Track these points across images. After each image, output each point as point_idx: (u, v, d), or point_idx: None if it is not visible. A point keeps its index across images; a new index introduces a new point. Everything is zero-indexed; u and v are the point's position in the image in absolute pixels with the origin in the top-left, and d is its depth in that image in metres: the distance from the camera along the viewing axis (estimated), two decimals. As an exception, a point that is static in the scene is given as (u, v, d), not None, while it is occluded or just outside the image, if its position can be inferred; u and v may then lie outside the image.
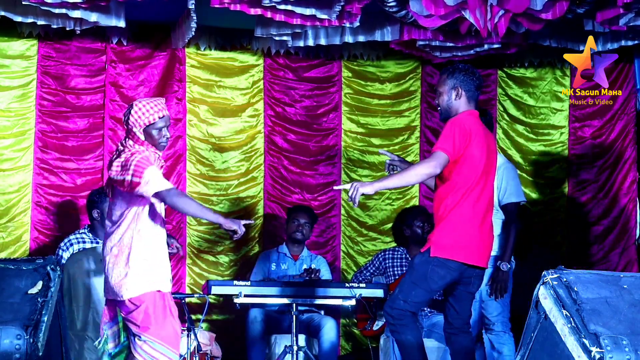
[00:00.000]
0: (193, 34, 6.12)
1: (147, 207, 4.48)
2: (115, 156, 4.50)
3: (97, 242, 6.03)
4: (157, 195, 4.35)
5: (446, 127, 4.64)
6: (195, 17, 5.83)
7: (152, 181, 4.34)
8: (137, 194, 4.38)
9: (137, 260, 4.41)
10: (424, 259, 4.69)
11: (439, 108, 4.84)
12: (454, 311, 4.85)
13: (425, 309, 6.56)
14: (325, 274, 6.62)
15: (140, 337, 4.38)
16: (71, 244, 6.04)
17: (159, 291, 4.41)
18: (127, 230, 4.45)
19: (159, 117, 4.51)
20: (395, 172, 4.83)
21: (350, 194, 4.50)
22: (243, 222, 4.47)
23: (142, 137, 4.47)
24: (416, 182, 4.90)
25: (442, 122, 4.79)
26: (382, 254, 6.75)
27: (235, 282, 6.01)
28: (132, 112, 4.47)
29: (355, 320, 6.96)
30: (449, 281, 4.71)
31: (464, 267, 4.70)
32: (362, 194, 4.48)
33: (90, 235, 6.10)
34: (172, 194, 4.38)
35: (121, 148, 4.50)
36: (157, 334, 4.36)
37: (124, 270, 4.39)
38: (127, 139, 4.50)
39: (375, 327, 6.55)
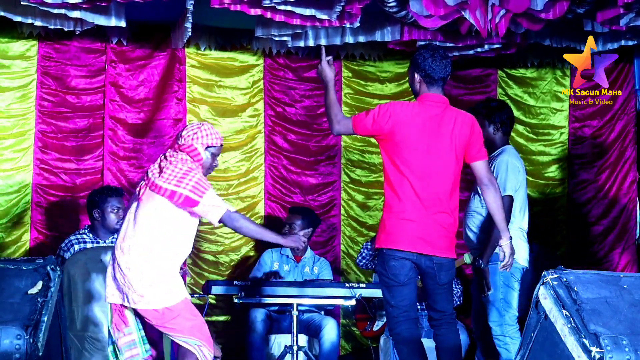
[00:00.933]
0: (189, 34, 6.12)
1: (186, 219, 4.56)
2: (161, 162, 4.55)
3: (98, 243, 6.04)
4: (220, 220, 4.52)
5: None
6: (190, 18, 5.83)
7: (215, 205, 4.50)
8: (189, 210, 4.50)
9: (168, 269, 4.51)
10: (378, 258, 4.68)
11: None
12: (428, 304, 4.76)
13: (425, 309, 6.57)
14: (327, 277, 6.62)
15: (182, 339, 4.49)
16: (72, 245, 6.05)
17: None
18: (159, 237, 4.49)
19: (220, 144, 4.70)
20: None
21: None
22: (302, 234, 4.65)
23: (204, 156, 4.60)
24: (329, 112, 4.79)
25: None
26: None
27: (235, 282, 6.02)
28: (202, 128, 4.61)
29: (355, 321, 6.97)
30: (409, 270, 4.56)
31: (414, 256, 4.56)
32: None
33: (91, 235, 6.10)
34: (234, 218, 4.56)
35: (169, 156, 4.55)
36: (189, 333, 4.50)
37: (156, 278, 4.46)
38: (178, 152, 4.57)
39: (375, 328, 6.56)
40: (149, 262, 4.47)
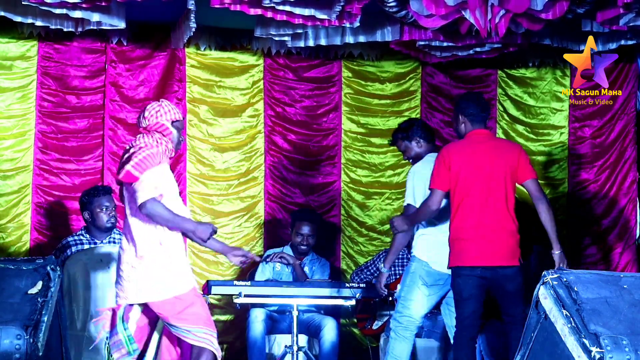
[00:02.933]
0: (192, 34, 6.12)
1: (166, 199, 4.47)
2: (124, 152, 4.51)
3: (95, 243, 6.04)
4: (144, 202, 4.35)
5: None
6: (193, 18, 5.83)
7: (146, 186, 4.37)
8: (130, 189, 4.41)
9: (171, 261, 4.47)
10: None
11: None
12: (503, 309, 5.24)
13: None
14: (327, 277, 6.62)
15: (190, 330, 4.45)
16: (69, 246, 6.04)
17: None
18: (150, 230, 4.46)
19: (182, 117, 4.67)
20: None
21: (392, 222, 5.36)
22: (213, 227, 4.52)
23: (173, 130, 4.54)
24: (427, 218, 5.42)
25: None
26: (383, 254, 6.75)
27: (235, 282, 6.02)
28: (162, 105, 4.56)
29: (355, 320, 6.96)
30: (474, 286, 5.11)
31: (478, 270, 5.10)
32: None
33: (88, 236, 6.10)
34: (156, 205, 4.38)
35: (135, 140, 4.52)
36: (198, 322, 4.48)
37: (160, 272, 4.43)
38: (143, 135, 4.53)
39: (374, 327, 6.55)
40: (148, 253, 4.42)
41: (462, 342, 5.17)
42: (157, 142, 4.51)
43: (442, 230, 5.37)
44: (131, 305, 4.51)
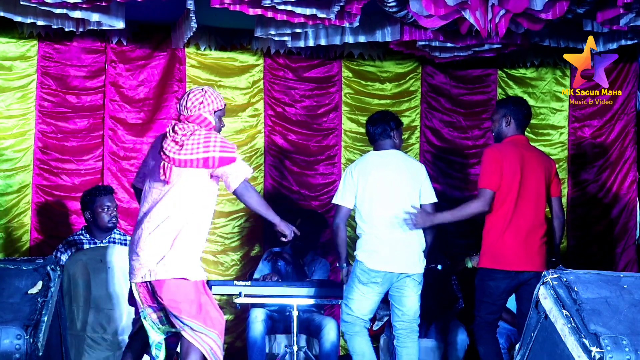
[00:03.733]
0: (192, 34, 6.12)
1: (212, 194, 4.56)
2: (174, 138, 4.47)
3: (95, 243, 6.04)
4: (244, 181, 4.50)
5: (483, 161, 5.39)
6: (194, 18, 5.83)
7: (243, 166, 4.51)
8: (220, 171, 4.45)
9: (192, 251, 4.51)
10: (478, 274, 5.46)
11: (493, 134, 5.55)
12: (518, 312, 5.52)
13: (425, 309, 6.57)
14: (326, 277, 6.62)
15: (193, 328, 4.46)
16: (69, 246, 6.04)
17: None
18: (193, 216, 4.48)
19: (225, 104, 4.69)
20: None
21: (413, 219, 5.44)
22: (294, 229, 4.75)
23: (213, 122, 4.56)
24: (466, 219, 5.63)
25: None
26: None
27: (235, 282, 6.02)
28: (206, 95, 4.56)
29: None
30: (505, 289, 5.35)
31: (512, 274, 5.32)
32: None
33: (88, 236, 6.10)
34: (249, 187, 4.57)
35: (181, 130, 4.48)
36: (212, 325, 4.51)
37: (177, 257, 4.45)
38: (186, 123, 4.51)
39: (375, 327, 6.56)
40: (175, 235, 4.44)
41: (488, 338, 5.41)
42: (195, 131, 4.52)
43: (375, 229, 5.45)
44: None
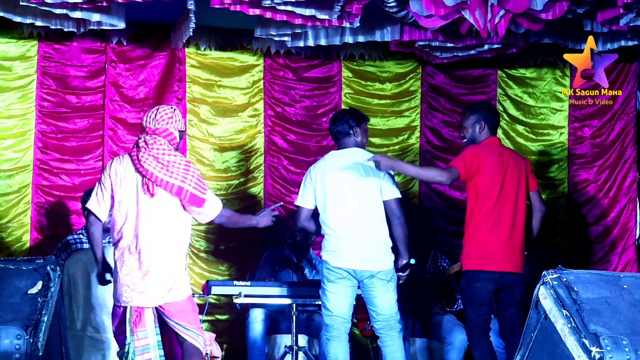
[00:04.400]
0: (191, 34, 6.12)
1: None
2: (150, 151, 4.60)
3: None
4: (217, 215, 4.73)
5: (463, 151, 5.47)
6: (193, 18, 5.83)
7: (213, 204, 4.69)
8: (191, 207, 4.61)
9: (184, 263, 4.68)
10: (463, 278, 5.46)
11: (464, 140, 5.62)
12: (501, 317, 5.54)
13: (425, 309, 6.56)
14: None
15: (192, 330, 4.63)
16: (69, 245, 6.04)
17: None
18: (181, 234, 4.65)
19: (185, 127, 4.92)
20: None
21: (375, 158, 5.33)
22: (271, 208, 4.99)
23: (178, 138, 4.73)
24: (424, 180, 5.86)
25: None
26: None
27: (235, 282, 6.01)
28: (175, 113, 4.74)
29: (355, 321, 6.96)
30: (491, 290, 5.39)
31: (496, 275, 5.37)
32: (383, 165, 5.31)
33: (89, 235, 6.09)
34: (223, 214, 4.78)
35: (155, 143, 4.63)
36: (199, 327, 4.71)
37: (182, 274, 4.64)
38: (155, 136, 4.65)
39: (366, 328, 6.55)
40: (171, 257, 4.58)
41: (481, 343, 5.43)
42: (167, 148, 4.68)
43: (336, 228, 5.41)
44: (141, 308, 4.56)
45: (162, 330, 4.64)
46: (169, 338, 4.78)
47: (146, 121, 4.74)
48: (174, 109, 4.77)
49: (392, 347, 5.43)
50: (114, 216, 4.69)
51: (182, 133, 4.80)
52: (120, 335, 4.62)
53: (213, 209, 4.69)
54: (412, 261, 5.94)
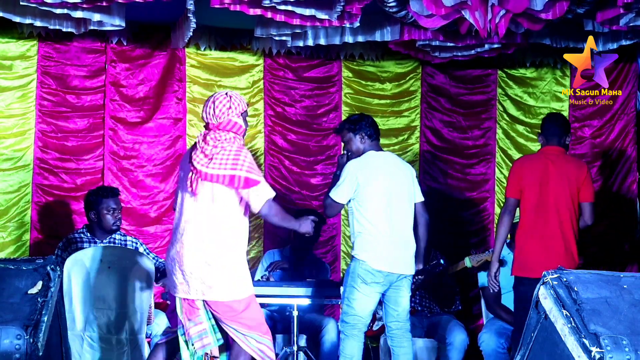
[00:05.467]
0: (191, 34, 6.12)
1: (244, 205, 4.55)
2: (203, 149, 4.48)
3: (95, 243, 6.04)
4: (265, 202, 4.51)
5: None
6: (193, 18, 5.83)
7: (267, 189, 4.52)
8: (244, 192, 4.46)
9: (241, 261, 4.54)
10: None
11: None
12: None
13: (425, 309, 6.57)
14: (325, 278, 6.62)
15: (245, 334, 4.52)
16: (69, 244, 6.04)
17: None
18: (229, 232, 4.50)
19: (247, 106, 4.67)
20: None
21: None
22: (310, 218, 4.82)
23: (243, 124, 4.55)
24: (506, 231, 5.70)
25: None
26: None
27: (235, 282, 6.01)
28: (232, 99, 4.54)
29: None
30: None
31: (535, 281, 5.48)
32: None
33: (88, 235, 6.10)
34: (272, 206, 4.58)
35: (212, 140, 4.49)
36: (255, 329, 4.55)
37: (228, 274, 4.49)
38: (217, 132, 4.51)
39: (375, 327, 6.56)
40: (212, 255, 4.46)
41: None
42: (226, 141, 4.51)
43: (379, 229, 5.43)
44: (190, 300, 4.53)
45: None
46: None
47: (206, 117, 4.58)
48: (230, 95, 4.57)
49: (407, 348, 5.53)
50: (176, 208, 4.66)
51: (245, 114, 4.61)
52: (174, 318, 4.63)
53: (267, 191, 4.52)
54: (442, 261, 6.08)
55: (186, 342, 4.58)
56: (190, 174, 4.50)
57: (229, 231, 4.51)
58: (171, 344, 4.73)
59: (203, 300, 4.53)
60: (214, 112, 4.54)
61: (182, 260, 4.50)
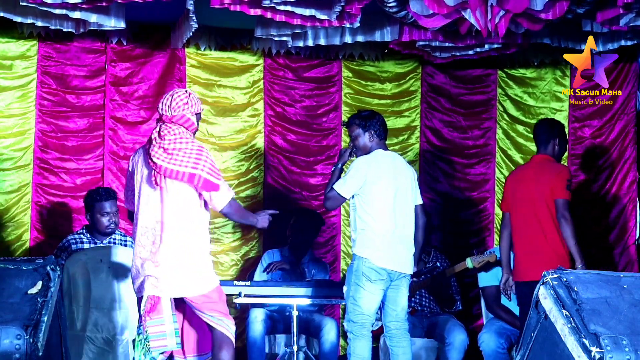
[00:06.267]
0: (191, 34, 6.12)
1: (203, 199, 4.63)
2: (162, 142, 4.52)
3: (95, 243, 6.04)
4: (226, 203, 4.63)
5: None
6: (194, 18, 5.83)
7: (225, 189, 4.61)
8: (204, 192, 4.54)
9: (206, 254, 4.64)
10: None
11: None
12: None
13: (425, 309, 6.57)
14: (325, 278, 6.63)
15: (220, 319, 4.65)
16: (69, 245, 6.04)
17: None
18: (195, 224, 4.57)
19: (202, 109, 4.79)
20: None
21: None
22: (269, 212, 4.90)
23: (196, 123, 4.66)
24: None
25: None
26: None
27: (235, 282, 6.02)
28: (190, 97, 4.64)
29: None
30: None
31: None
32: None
33: (88, 235, 6.09)
34: (232, 204, 4.70)
35: (168, 134, 4.54)
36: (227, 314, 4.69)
37: (201, 265, 4.59)
38: (170, 125, 4.57)
39: (374, 327, 6.55)
40: (190, 249, 4.53)
41: None
42: (181, 136, 4.59)
43: (382, 227, 5.43)
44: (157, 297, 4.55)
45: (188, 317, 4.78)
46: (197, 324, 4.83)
47: (162, 109, 4.64)
48: (189, 93, 4.67)
49: (406, 347, 5.53)
50: (135, 207, 4.69)
51: (199, 116, 4.72)
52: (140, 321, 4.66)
53: (226, 195, 4.62)
54: (438, 264, 6.12)
55: (140, 341, 4.56)
56: (152, 170, 4.54)
57: (197, 225, 4.59)
58: None
59: (172, 299, 4.55)
60: (170, 104, 4.62)
61: (156, 259, 4.51)
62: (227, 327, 4.66)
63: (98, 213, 5.98)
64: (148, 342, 4.54)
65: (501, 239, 5.82)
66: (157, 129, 4.60)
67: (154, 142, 4.56)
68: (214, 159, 4.63)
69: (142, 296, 4.59)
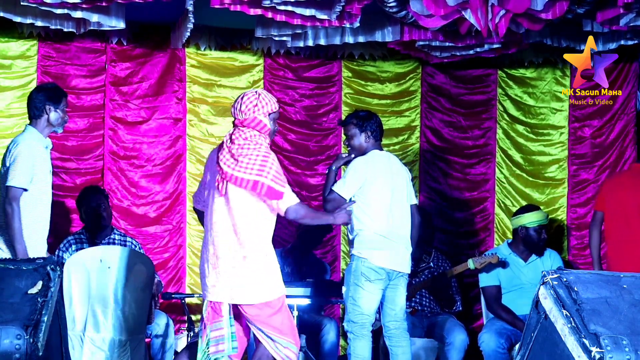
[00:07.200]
0: (189, 34, 6.12)
1: (269, 205, 4.53)
2: (230, 149, 4.46)
3: (95, 243, 6.05)
4: (291, 209, 4.53)
5: None
6: (192, 18, 5.83)
7: (290, 196, 4.51)
8: (269, 201, 4.45)
9: (271, 262, 4.52)
10: None
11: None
12: None
13: (425, 309, 6.57)
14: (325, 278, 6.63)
15: (274, 339, 4.51)
16: (70, 245, 6.05)
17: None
18: (257, 232, 4.48)
19: (278, 107, 4.66)
20: None
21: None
22: (346, 206, 4.86)
23: (269, 124, 4.53)
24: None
25: None
26: None
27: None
28: (260, 97, 4.54)
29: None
30: None
31: None
32: None
33: (88, 236, 6.10)
34: (298, 209, 4.58)
35: (238, 139, 4.47)
36: (283, 331, 4.53)
37: (257, 276, 4.47)
38: (242, 129, 4.50)
39: (374, 327, 6.55)
40: (241, 258, 4.46)
41: None
42: (252, 141, 4.50)
43: (380, 227, 5.43)
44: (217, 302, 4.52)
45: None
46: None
47: (234, 113, 4.58)
48: (259, 94, 4.58)
49: (406, 347, 5.54)
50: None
51: (275, 114, 4.60)
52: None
53: (292, 202, 4.53)
54: (431, 264, 6.12)
55: (200, 347, 4.56)
56: (218, 175, 4.49)
57: (257, 232, 4.50)
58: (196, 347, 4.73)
59: (230, 305, 4.51)
60: (240, 107, 4.55)
61: (216, 262, 4.50)
62: (274, 347, 4.51)
63: (84, 211, 6.05)
64: (208, 347, 4.53)
65: (591, 237, 6.21)
66: (229, 134, 4.55)
67: (224, 147, 4.51)
68: (279, 166, 4.54)
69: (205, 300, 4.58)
